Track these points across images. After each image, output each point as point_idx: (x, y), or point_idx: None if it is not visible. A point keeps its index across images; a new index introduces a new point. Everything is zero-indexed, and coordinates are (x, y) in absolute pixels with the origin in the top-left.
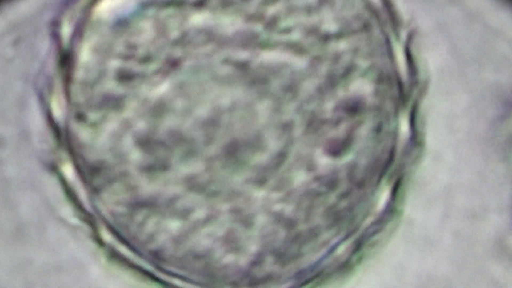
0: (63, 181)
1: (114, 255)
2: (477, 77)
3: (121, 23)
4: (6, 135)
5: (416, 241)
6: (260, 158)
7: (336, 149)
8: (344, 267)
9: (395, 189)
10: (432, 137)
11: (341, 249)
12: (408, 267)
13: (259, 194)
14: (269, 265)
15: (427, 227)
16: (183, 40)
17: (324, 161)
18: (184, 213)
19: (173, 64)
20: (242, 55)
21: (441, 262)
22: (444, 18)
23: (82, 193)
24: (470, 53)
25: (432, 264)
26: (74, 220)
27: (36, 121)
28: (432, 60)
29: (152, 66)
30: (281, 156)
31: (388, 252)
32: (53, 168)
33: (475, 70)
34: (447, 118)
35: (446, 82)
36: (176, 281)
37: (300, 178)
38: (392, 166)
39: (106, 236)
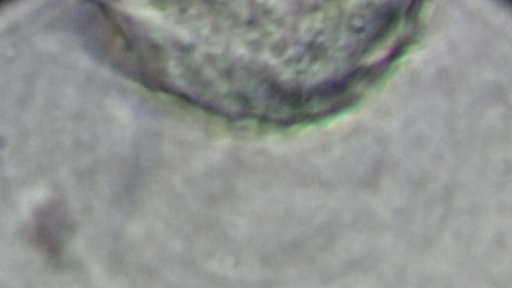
0: None
1: None
2: (477, 77)
3: None
4: (6, 135)
5: (416, 241)
6: None
7: None
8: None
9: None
10: (432, 137)
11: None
12: (408, 267)
13: None
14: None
15: (427, 227)
16: None
17: None
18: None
19: None
20: None
21: (441, 262)
22: (444, 18)
23: None
24: (470, 53)
25: (432, 264)
26: None
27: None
28: (432, 60)
29: None
30: None
31: (388, 252)
32: None
33: (475, 70)
34: (447, 118)
35: (446, 82)
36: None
37: None
38: None
39: None
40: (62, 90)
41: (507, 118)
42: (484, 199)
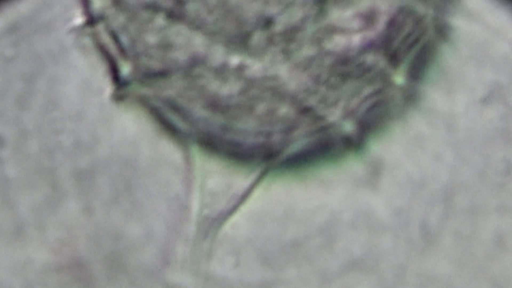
0: None
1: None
2: (477, 77)
3: None
4: (6, 135)
5: (416, 241)
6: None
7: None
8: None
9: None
10: (432, 137)
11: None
12: (408, 267)
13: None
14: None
15: (427, 227)
16: None
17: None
18: None
19: None
20: None
21: (441, 262)
22: (444, 18)
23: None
24: (470, 53)
25: (432, 264)
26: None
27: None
28: (432, 59)
29: None
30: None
31: (389, 252)
32: None
33: (475, 70)
34: (447, 118)
35: (446, 82)
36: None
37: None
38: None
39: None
40: (62, 90)
41: (507, 118)
42: (484, 199)
